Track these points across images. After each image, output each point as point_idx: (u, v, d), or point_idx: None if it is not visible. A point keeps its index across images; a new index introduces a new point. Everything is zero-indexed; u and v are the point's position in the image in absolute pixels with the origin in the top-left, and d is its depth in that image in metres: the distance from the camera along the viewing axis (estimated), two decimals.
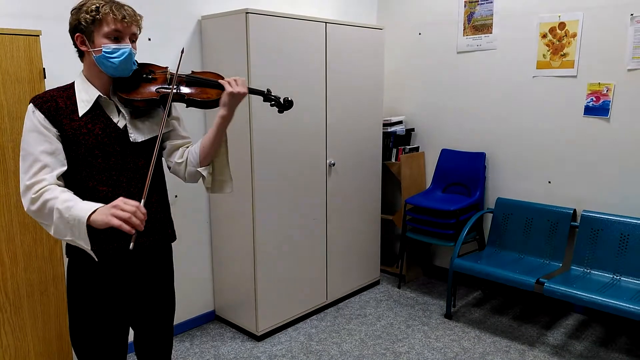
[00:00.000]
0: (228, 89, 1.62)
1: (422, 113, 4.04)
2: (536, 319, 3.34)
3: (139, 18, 1.58)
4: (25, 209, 1.46)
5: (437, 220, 3.52)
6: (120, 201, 1.37)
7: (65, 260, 1.79)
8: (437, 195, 3.82)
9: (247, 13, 2.71)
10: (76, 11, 1.52)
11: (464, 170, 3.76)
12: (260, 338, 3.09)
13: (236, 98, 1.63)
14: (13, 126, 2.01)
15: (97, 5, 1.49)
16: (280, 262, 3.11)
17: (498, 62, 3.56)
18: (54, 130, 1.49)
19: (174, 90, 1.60)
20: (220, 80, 1.67)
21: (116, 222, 1.34)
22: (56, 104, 1.51)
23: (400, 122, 4.01)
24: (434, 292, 3.78)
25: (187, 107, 1.69)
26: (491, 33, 3.57)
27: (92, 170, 1.54)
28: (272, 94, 1.78)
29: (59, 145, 1.50)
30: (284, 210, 3.08)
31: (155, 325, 1.77)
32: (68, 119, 1.51)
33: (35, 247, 2.11)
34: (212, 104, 1.67)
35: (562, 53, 3.26)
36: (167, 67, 1.71)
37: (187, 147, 1.77)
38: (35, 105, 1.49)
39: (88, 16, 1.49)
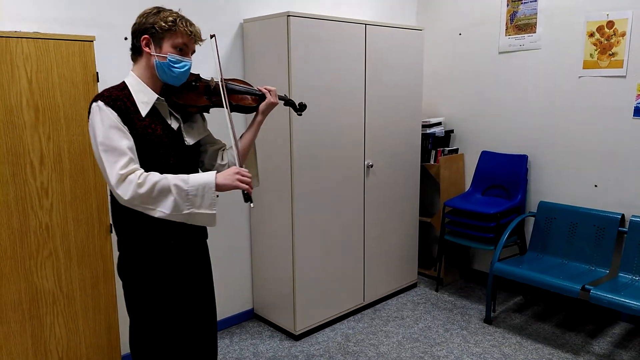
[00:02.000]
0: (269, 99, 1.81)
1: (462, 114, 3.99)
2: (580, 327, 3.24)
3: (202, 38, 1.70)
4: (126, 197, 1.49)
5: (477, 223, 3.47)
6: (237, 168, 1.61)
7: (115, 255, 1.87)
8: (476, 197, 3.77)
9: (288, 16, 2.74)
10: (149, 15, 1.60)
11: (505, 172, 3.69)
12: (298, 337, 3.12)
13: (272, 106, 1.84)
14: (69, 127, 2.10)
15: (175, 18, 1.59)
16: (318, 263, 3.14)
17: (542, 62, 3.48)
18: (126, 128, 1.57)
19: (225, 98, 1.72)
20: (260, 89, 1.83)
21: (243, 185, 1.58)
22: (124, 103, 1.58)
23: (439, 124, 3.97)
24: (472, 296, 3.73)
25: (231, 111, 1.79)
26: (535, 32, 3.49)
27: (156, 168, 1.62)
28: (290, 97, 1.99)
29: (134, 143, 1.57)
30: (322, 211, 3.10)
31: (205, 314, 1.85)
32: (136, 118, 1.59)
33: (87, 243, 2.21)
34: (253, 109, 1.84)
35: (610, 52, 3.15)
36: (199, 74, 1.81)
37: (224, 149, 1.90)
38: (107, 104, 1.54)
39: (164, 24, 1.58)
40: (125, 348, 2.72)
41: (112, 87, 1.63)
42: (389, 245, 3.62)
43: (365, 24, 3.15)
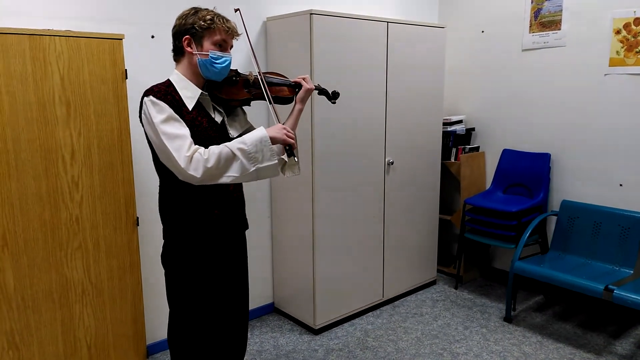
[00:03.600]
0: (306, 86, 1.85)
1: (484, 112, 3.97)
2: (603, 327, 3.21)
3: (238, 33, 1.76)
4: (198, 176, 1.58)
5: (498, 221, 3.45)
6: (282, 125, 1.72)
7: (157, 243, 1.93)
8: (497, 196, 3.75)
9: (311, 14, 2.77)
10: (187, 16, 1.67)
11: (527, 171, 3.66)
12: (317, 331, 3.16)
13: (309, 93, 1.88)
14: (99, 123, 2.17)
15: (212, 16, 1.67)
16: (338, 259, 3.16)
17: (567, 59, 3.44)
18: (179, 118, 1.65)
19: (265, 90, 1.79)
20: (297, 79, 1.88)
21: (290, 140, 1.70)
22: (172, 97, 1.66)
23: (460, 122, 3.95)
24: (492, 295, 3.71)
25: (271, 103, 1.84)
26: (560, 29, 3.45)
27: None
28: (322, 86, 2.02)
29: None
30: (342, 208, 3.13)
31: (241, 300, 1.93)
32: (184, 111, 1.67)
33: (115, 236, 2.27)
34: (290, 100, 1.89)
35: (637, 50, 3.10)
36: (237, 69, 1.86)
37: None
38: (159, 98, 1.63)
39: (203, 23, 1.65)
40: (150, 338, 2.79)
41: (159, 84, 1.70)
42: (408, 242, 3.62)
43: (387, 22, 3.16)
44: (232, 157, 1.61)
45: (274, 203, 3.32)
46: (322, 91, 1.98)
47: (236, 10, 1.82)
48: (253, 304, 3.37)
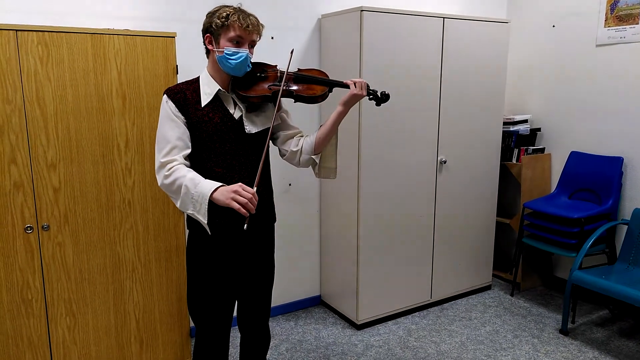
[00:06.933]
0: (353, 90, 1.81)
1: (551, 112, 3.74)
2: None
3: (260, 27, 1.80)
4: (159, 184, 1.73)
5: (558, 227, 3.25)
6: (239, 187, 1.60)
7: (187, 232, 2.06)
8: (561, 200, 3.52)
9: (361, 11, 2.78)
10: (210, 15, 1.78)
11: (596, 175, 3.41)
12: (360, 327, 3.17)
13: (356, 99, 1.83)
14: (151, 114, 2.34)
15: (228, 13, 1.73)
16: (384, 256, 3.15)
17: None
18: (182, 117, 1.75)
19: (284, 87, 1.80)
20: (347, 81, 1.83)
21: (235, 205, 1.58)
22: (184, 95, 1.76)
23: (524, 121, 3.76)
24: (551, 305, 3.50)
25: (294, 102, 1.88)
26: (638, 24, 3.17)
27: (211, 153, 1.78)
28: (371, 88, 1.90)
29: (186, 131, 1.76)
30: (390, 205, 3.11)
31: (256, 292, 1.98)
32: (193, 108, 1.76)
33: (163, 219, 2.45)
34: (318, 99, 1.86)
35: None
36: (276, 66, 1.91)
37: (301, 136, 1.96)
38: (169, 96, 1.76)
39: (219, 21, 1.73)
40: None
41: (184, 81, 1.83)
42: (461, 244, 3.52)
43: (444, 18, 3.09)
44: (179, 189, 1.66)
45: (322, 197, 3.38)
46: (370, 96, 1.89)
47: (291, 52, 1.94)
48: (300, 295, 3.45)
